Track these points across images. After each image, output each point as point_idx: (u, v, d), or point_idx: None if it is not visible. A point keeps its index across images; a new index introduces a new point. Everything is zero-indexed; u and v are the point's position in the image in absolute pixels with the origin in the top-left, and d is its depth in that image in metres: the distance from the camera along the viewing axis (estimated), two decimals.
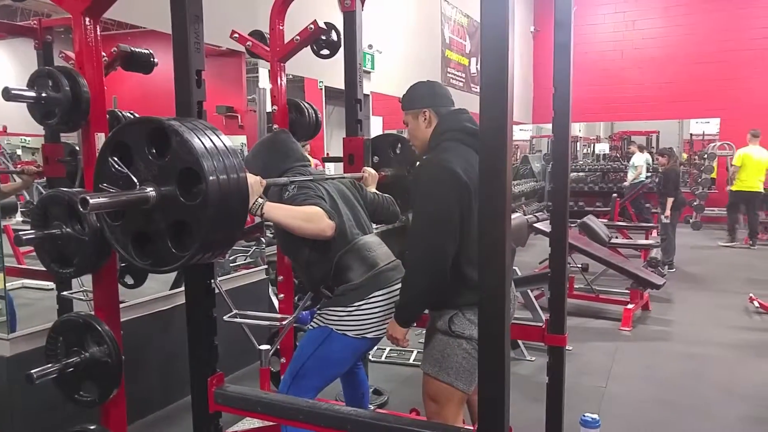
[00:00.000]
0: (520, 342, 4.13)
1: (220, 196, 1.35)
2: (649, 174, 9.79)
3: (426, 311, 2.16)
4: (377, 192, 2.53)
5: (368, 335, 2.14)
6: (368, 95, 6.19)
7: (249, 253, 4.36)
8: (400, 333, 2.03)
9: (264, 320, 2.68)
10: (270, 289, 4.16)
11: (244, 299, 3.38)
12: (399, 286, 2.16)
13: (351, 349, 2.16)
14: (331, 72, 4.97)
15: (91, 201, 1.27)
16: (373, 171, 2.62)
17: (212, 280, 1.76)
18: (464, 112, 2.09)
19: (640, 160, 9.71)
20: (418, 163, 2.19)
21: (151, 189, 1.39)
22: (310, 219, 1.97)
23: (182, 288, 1.82)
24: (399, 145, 2.90)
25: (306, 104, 3.03)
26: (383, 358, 4.13)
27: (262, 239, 4.32)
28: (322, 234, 1.99)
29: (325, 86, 5.56)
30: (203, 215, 1.34)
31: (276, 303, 3.43)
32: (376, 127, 6.96)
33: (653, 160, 9.92)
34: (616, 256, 5.98)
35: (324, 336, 2.15)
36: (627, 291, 5.23)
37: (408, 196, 2.18)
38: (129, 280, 2.45)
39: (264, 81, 4.78)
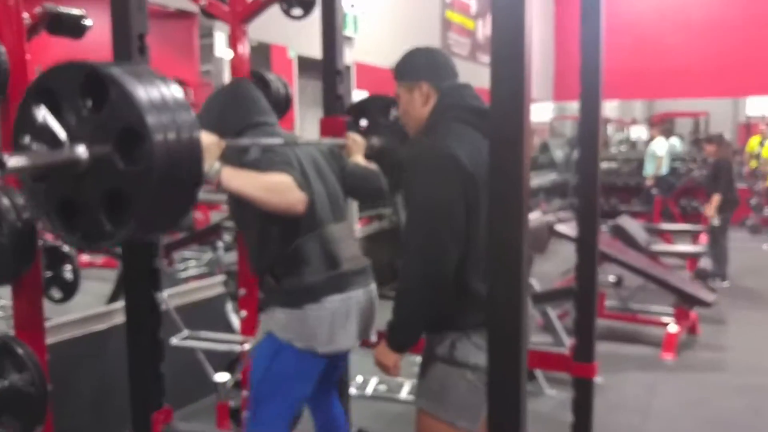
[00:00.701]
0: (538, 372, 4.16)
1: (168, 161, 1.34)
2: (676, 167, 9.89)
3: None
4: (360, 163, 2.52)
5: (318, 349, 2.16)
6: (350, 66, 6.21)
7: (203, 261, 4.37)
8: (392, 360, 2.04)
9: (221, 343, 2.69)
10: (229, 306, 4.17)
11: (197, 318, 3.39)
12: (360, 292, 2.23)
13: (303, 363, 2.19)
14: (304, 38, 4.99)
15: (8, 162, 1.25)
16: (359, 138, 2.60)
17: (158, 294, 1.78)
18: (469, 87, 2.11)
19: (661, 148, 9.80)
20: (411, 144, 2.20)
21: (83, 149, 1.37)
22: (276, 189, 1.98)
23: (122, 303, 1.83)
24: (393, 110, 2.91)
25: (273, 77, 3.05)
26: (368, 392, 4.15)
27: (219, 243, 4.33)
28: (290, 209, 2.00)
29: (297, 55, 5.57)
30: (145, 184, 1.33)
31: (236, 322, 3.44)
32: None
33: (684, 149, 10.02)
34: (657, 266, 6.02)
35: (273, 348, 2.18)
36: (670, 310, 5.27)
37: (398, 173, 2.20)
38: (56, 294, 2.46)
39: (222, 48, 4.78)
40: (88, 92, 1.36)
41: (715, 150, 7.47)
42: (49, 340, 1.86)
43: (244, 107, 2.30)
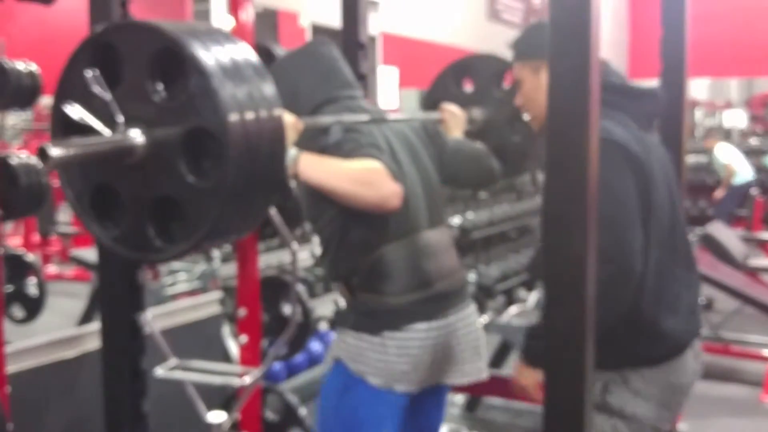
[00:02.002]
0: None
1: (243, 177, 1.32)
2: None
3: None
4: (463, 140, 2.45)
5: (396, 387, 2.11)
6: (376, 37, 6.23)
7: (195, 274, 4.41)
8: (531, 378, 2.01)
9: (216, 375, 2.71)
10: (226, 329, 4.20)
11: (187, 343, 3.42)
12: (456, 318, 2.18)
13: (380, 405, 2.14)
14: (319, 3, 5.01)
15: (52, 154, 1.23)
16: (457, 110, 2.52)
17: (140, 315, 1.80)
18: (607, 63, 2.06)
19: (725, 155, 9.71)
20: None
21: (141, 137, 1.34)
22: (366, 180, 1.92)
23: (96, 325, 1.85)
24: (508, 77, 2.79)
25: (282, 50, 3.07)
26: None
27: (215, 252, 4.37)
28: (382, 204, 1.95)
29: (311, 24, 5.60)
30: (211, 203, 1.32)
31: (234, 349, 3.46)
32: (388, 82, 7.00)
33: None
34: (758, 285, 5.96)
35: (343, 381, 2.15)
36: None
37: (508, 157, 2.15)
38: (19, 312, 2.50)
39: (220, 15, 4.83)
40: (159, 67, 1.35)
41: None
42: (10, 368, 1.89)
43: (323, 77, 2.25)
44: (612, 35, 12.10)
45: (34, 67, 2.32)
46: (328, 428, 2.20)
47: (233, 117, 1.28)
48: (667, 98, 2.19)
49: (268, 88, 1.39)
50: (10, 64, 2.27)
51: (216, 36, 1.38)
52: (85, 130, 1.36)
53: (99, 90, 1.35)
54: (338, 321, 2.25)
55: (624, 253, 1.83)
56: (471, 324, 2.28)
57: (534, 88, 2.09)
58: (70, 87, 1.40)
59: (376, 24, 6.20)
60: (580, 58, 1.23)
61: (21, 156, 2.13)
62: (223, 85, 1.28)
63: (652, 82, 2.25)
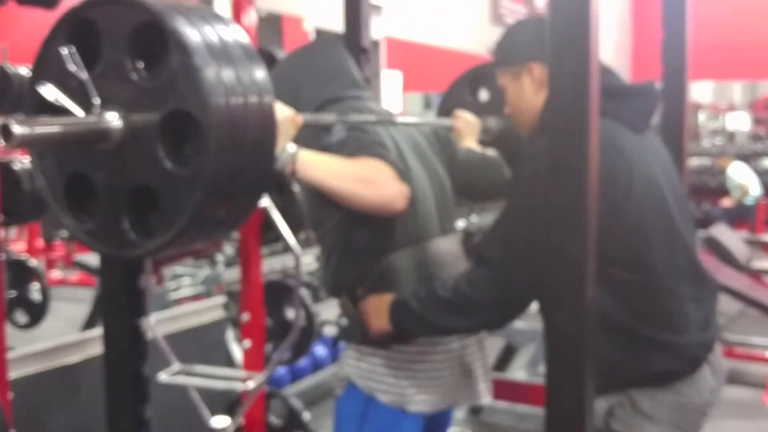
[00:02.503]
0: None
1: (227, 163, 1.23)
2: None
3: None
4: (475, 149, 2.36)
5: (409, 407, 2.06)
6: (379, 41, 6.23)
7: (199, 279, 4.41)
8: (381, 324, 1.96)
9: (220, 380, 2.71)
10: (230, 334, 4.20)
11: (191, 348, 3.42)
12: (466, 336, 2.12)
13: (397, 427, 2.08)
14: (323, 6, 5.02)
15: (16, 131, 1.14)
16: (472, 118, 2.42)
17: (143, 321, 1.80)
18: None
19: (741, 176, 9.72)
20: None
21: (117, 120, 1.26)
22: (369, 180, 1.83)
23: (99, 330, 1.85)
24: None
25: (285, 55, 3.08)
26: None
27: (219, 257, 4.37)
28: (387, 206, 1.85)
29: (315, 29, 5.61)
30: (191, 192, 1.24)
31: (238, 354, 3.46)
32: (392, 86, 7.00)
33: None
34: (761, 287, 5.96)
35: (359, 406, 2.10)
36: None
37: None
38: (22, 317, 2.50)
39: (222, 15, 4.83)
40: (139, 44, 1.26)
41: None
42: (13, 374, 1.89)
43: (328, 75, 2.17)
44: (615, 37, 12.10)
45: None
46: None
47: (217, 100, 1.20)
48: (668, 101, 2.19)
49: (259, 73, 1.31)
50: (13, 69, 2.27)
51: (203, 14, 1.30)
52: (61, 112, 1.29)
53: (75, 68, 1.29)
54: (343, 337, 2.17)
55: (508, 285, 1.78)
56: (482, 341, 2.23)
57: (516, 94, 2.00)
58: (46, 66, 1.33)
59: (379, 28, 6.20)
60: (579, 60, 1.23)
61: (24, 161, 2.13)
62: (207, 64, 1.20)
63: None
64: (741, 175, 9.73)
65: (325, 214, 2.05)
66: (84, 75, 1.28)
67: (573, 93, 1.23)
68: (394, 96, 6.93)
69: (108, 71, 1.28)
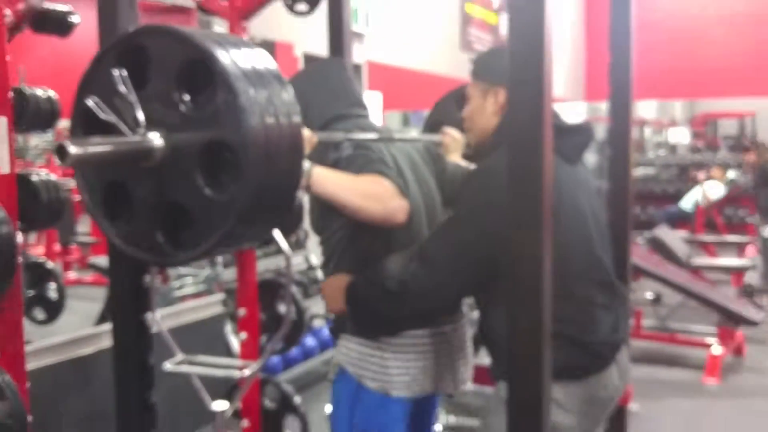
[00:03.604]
0: None
1: (259, 193, 1.21)
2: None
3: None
4: (461, 164, 2.35)
5: (393, 393, 2.05)
6: (361, 65, 6.23)
7: (200, 278, 4.38)
8: (337, 305, 2.01)
9: (220, 368, 2.69)
10: (228, 327, 4.18)
11: (193, 340, 3.40)
12: (450, 327, 2.13)
13: (386, 410, 2.07)
14: (311, 34, 5.01)
15: (71, 151, 1.12)
16: (457, 134, 2.38)
17: (149, 316, 1.78)
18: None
19: (715, 191, 9.79)
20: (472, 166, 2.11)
21: (159, 141, 1.23)
22: (375, 196, 1.84)
23: (109, 325, 1.84)
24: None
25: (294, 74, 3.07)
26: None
27: (218, 258, 4.35)
28: (389, 219, 1.87)
29: (304, 54, 5.60)
30: (224, 217, 1.22)
31: (235, 345, 3.44)
32: (373, 106, 7.00)
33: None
34: (699, 281, 5.99)
35: (351, 392, 2.10)
36: (713, 330, 5.24)
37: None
38: (40, 314, 2.47)
39: None
40: (187, 74, 1.23)
41: (755, 157, 7.52)
42: (31, 365, 1.87)
43: (333, 93, 2.17)
44: (571, 62, 12.16)
45: (52, 93, 2.30)
46: None
47: (256, 136, 1.18)
48: (615, 117, 2.21)
49: (294, 108, 1.30)
50: (30, 90, 2.25)
51: (243, 49, 1.27)
52: (105, 126, 1.26)
53: (125, 90, 1.25)
54: (337, 328, 2.15)
55: (430, 290, 1.84)
56: (464, 335, 2.22)
57: (478, 107, 2.02)
58: (94, 83, 1.30)
59: (361, 53, 6.20)
60: (533, 78, 1.23)
61: (41, 173, 2.11)
62: (251, 105, 1.18)
63: (603, 106, 2.26)
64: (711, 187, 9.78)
65: (329, 221, 2.07)
66: (133, 97, 1.25)
67: (529, 104, 1.24)
68: (375, 114, 6.94)
69: (154, 95, 1.25)
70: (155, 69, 1.25)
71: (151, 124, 1.23)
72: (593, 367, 1.90)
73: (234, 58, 1.20)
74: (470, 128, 2.09)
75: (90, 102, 1.28)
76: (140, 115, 1.23)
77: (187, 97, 1.23)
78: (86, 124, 1.30)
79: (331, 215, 1.99)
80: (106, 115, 1.26)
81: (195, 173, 1.21)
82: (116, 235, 1.33)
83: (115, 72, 1.25)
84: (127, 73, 1.25)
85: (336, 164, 1.95)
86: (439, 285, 1.84)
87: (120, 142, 1.22)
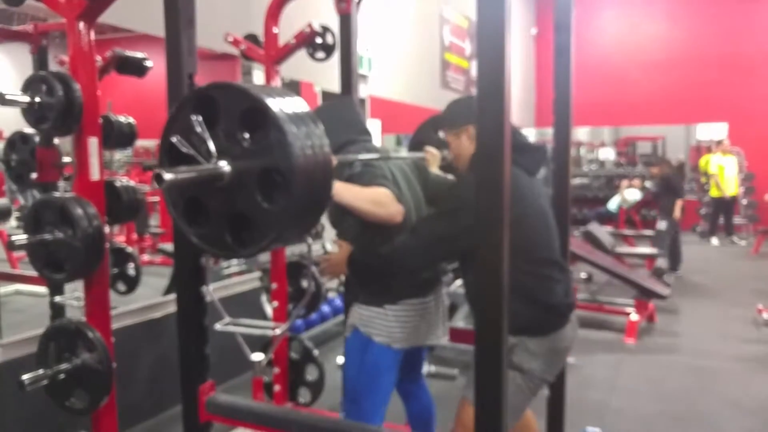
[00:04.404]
0: None
1: (303, 206, 1.25)
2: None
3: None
4: (439, 174, 2.39)
5: (394, 345, 2.11)
6: (365, 99, 6.23)
7: (243, 260, 4.38)
8: (341, 269, 2.07)
9: (257, 329, 2.69)
10: (263, 297, 4.19)
11: (237, 307, 3.41)
12: (433, 297, 2.17)
13: (386, 357, 2.12)
14: (327, 75, 5.01)
15: (167, 177, 1.15)
16: (435, 151, 2.44)
17: (204, 288, 1.79)
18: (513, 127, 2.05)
19: (633, 195, 9.78)
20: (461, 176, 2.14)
21: (227, 167, 1.25)
22: (380, 202, 1.91)
23: (175, 295, 1.85)
24: None
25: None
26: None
27: None
28: (391, 220, 1.93)
29: (321, 90, 5.60)
30: (276, 222, 1.24)
31: (269, 311, 3.45)
32: (375, 130, 7.00)
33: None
34: (621, 265, 6.00)
35: (362, 343, 2.13)
36: (632, 301, 5.25)
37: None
38: (122, 287, 2.48)
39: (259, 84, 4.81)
40: (246, 117, 1.25)
41: (659, 170, 7.56)
42: (114, 325, 1.88)
43: (345, 124, 2.21)
44: (523, 96, 12.15)
45: (131, 119, 2.31)
46: (354, 376, 2.16)
47: (300, 163, 1.21)
48: (558, 140, 2.21)
49: (325, 142, 1.32)
50: (115, 117, 2.26)
51: (286, 98, 1.30)
52: (185, 157, 1.29)
53: (201, 130, 1.27)
54: (351, 297, 2.21)
55: (413, 256, 1.90)
56: (443, 301, 2.28)
57: (457, 147, 2.07)
58: (176, 124, 1.32)
59: (365, 90, 6.20)
60: (498, 114, 1.24)
61: (123, 180, 2.12)
62: (296, 140, 1.21)
63: (549, 130, 2.27)
64: (631, 196, 9.80)
65: (344, 220, 2.11)
66: (207, 135, 1.27)
67: (494, 141, 1.24)
68: (376, 137, 6.93)
69: (222, 133, 1.27)
70: (223, 113, 1.27)
71: (221, 154, 1.26)
72: (555, 324, 1.94)
73: (280, 105, 1.23)
74: (460, 163, 2.11)
75: (174, 139, 1.30)
76: (212, 148, 1.26)
77: (247, 135, 1.25)
78: (170, 156, 1.32)
79: (345, 215, 2.03)
80: (186, 149, 1.28)
81: (254, 191, 1.24)
82: (194, 236, 1.35)
83: (193, 117, 1.27)
84: (201, 117, 1.27)
85: (349, 179, 2.00)
86: (418, 249, 1.89)
87: (200, 169, 1.24)
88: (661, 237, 7.12)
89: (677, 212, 7.13)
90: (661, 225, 7.17)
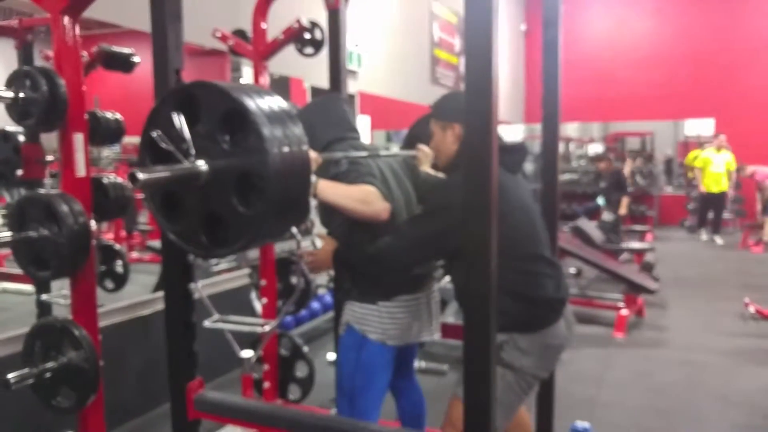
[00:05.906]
0: None
1: (278, 210, 1.24)
2: None
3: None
4: (430, 173, 2.34)
5: (387, 342, 2.10)
6: (354, 95, 6.22)
7: (231, 257, 4.37)
8: (327, 264, 2.05)
9: (246, 325, 2.68)
10: (252, 294, 4.17)
11: (226, 304, 3.40)
12: (424, 294, 2.17)
13: (382, 354, 2.11)
14: (317, 71, 4.99)
15: (141, 177, 1.15)
16: (427, 149, 2.33)
17: (191, 285, 1.78)
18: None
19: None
20: (443, 177, 2.13)
21: (205, 167, 1.24)
22: (365, 200, 1.89)
23: (163, 293, 1.83)
24: None
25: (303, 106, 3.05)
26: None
27: None
28: (376, 217, 1.91)
29: (311, 86, 5.57)
30: (252, 225, 1.23)
31: (258, 308, 3.44)
32: (364, 126, 6.99)
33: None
34: (610, 260, 6.03)
35: (357, 341, 2.12)
36: (621, 296, 5.27)
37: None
38: (109, 284, 2.46)
39: (248, 80, 4.78)
40: (226, 118, 1.24)
41: (606, 165, 7.65)
42: (102, 323, 1.86)
43: (332, 121, 2.19)
44: (512, 92, 12.17)
45: (118, 115, 2.29)
46: (350, 374, 2.14)
47: (277, 168, 1.20)
48: (546, 136, 2.21)
49: (302, 139, 1.30)
50: (102, 113, 2.24)
51: (266, 97, 1.29)
52: (165, 152, 1.28)
53: (182, 128, 1.27)
54: (345, 295, 2.19)
55: (398, 256, 1.89)
56: (435, 297, 2.27)
57: (440, 140, 2.03)
58: (158, 119, 1.32)
59: (354, 85, 6.18)
60: (484, 105, 1.24)
61: (110, 177, 2.11)
62: (273, 146, 1.20)
63: (538, 126, 2.27)
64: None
65: (333, 219, 2.11)
66: (187, 134, 1.27)
67: (480, 126, 1.24)
68: (365, 134, 6.92)
69: (202, 132, 1.27)
70: (204, 112, 1.27)
71: (200, 153, 1.26)
72: (546, 320, 1.91)
73: (260, 105, 1.23)
74: (438, 155, 2.10)
75: (154, 134, 1.30)
76: (191, 147, 1.25)
77: (226, 136, 1.25)
78: (151, 150, 1.32)
79: (333, 215, 2.03)
80: (166, 145, 1.28)
81: (230, 193, 1.24)
82: (171, 231, 1.35)
83: (174, 114, 1.27)
84: (184, 114, 1.27)
85: (336, 177, 1.99)
86: (401, 249, 1.88)
87: (175, 168, 1.24)
88: (605, 227, 7.29)
89: (623, 209, 7.29)
90: (606, 216, 7.37)
